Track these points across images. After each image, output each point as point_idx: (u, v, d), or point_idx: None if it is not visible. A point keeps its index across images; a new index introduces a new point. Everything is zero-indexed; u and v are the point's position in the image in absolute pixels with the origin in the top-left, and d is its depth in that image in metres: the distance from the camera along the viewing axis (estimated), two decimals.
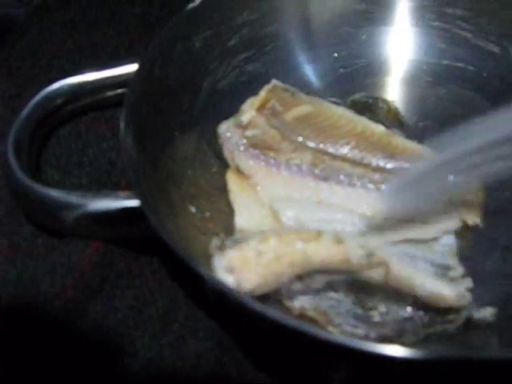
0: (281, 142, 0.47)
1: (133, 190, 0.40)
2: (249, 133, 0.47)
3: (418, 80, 0.56)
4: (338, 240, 0.39)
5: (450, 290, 0.40)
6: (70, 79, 0.50)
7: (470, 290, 0.41)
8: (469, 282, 0.41)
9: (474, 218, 0.45)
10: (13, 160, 0.44)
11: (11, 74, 0.55)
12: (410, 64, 0.57)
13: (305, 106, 0.49)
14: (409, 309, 0.41)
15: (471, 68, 0.56)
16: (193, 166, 0.47)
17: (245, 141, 0.47)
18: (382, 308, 0.41)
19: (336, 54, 0.56)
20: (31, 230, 0.46)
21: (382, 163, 0.47)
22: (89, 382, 0.41)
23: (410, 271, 0.40)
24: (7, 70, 0.56)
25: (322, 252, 0.39)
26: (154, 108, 0.46)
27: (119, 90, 0.50)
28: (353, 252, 0.39)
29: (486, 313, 0.41)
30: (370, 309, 0.41)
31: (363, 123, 0.49)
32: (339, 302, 0.41)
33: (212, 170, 0.48)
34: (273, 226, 0.43)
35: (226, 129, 0.48)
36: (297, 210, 0.44)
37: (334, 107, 0.51)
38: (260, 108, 0.49)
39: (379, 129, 0.49)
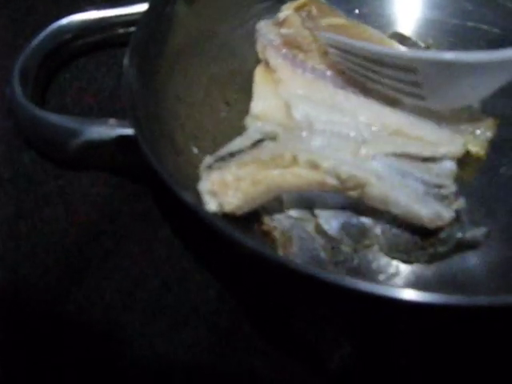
0: (311, 44, 0.49)
1: (128, 117, 0.40)
2: (283, 31, 0.50)
3: (440, 40, 0.54)
4: (314, 165, 0.40)
5: (425, 210, 0.41)
6: (80, 15, 0.50)
7: (463, 211, 0.42)
8: (461, 202, 0.42)
9: (478, 149, 0.46)
10: (17, 85, 0.45)
11: (30, 8, 0.56)
12: (433, 24, 0.55)
13: (341, 18, 0.52)
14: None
15: (496, 30, 0.54)
16: (200, 110, 0.47)
17: (278, 38, 0.49)
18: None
19: (357, 11, 0.56)
20: (12, 211, 0.45)
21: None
22: (73, 372, 0.39)
23: (385, 192, 0.41)
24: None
25: (298, 177, 0.40)
26: (161, 47, 0.46)
27: (131, 29, 0.50)
28: (328, 177, 0.40)
29: (478, 233, 0.41)
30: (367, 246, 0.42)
31: (393, 45, 0.50)
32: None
33: (220, 115, 0.48)
34: (283, 120, 0.46)
35: (263, 25, 0.51)
36: (309, 108, 0.46)
37: (369, 27, 0.52)
38: (298, 9, 0.51)
39: None
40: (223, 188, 0.39)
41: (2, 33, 0.55)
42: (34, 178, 0.47)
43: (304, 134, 0.44)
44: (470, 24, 0.55)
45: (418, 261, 0.41)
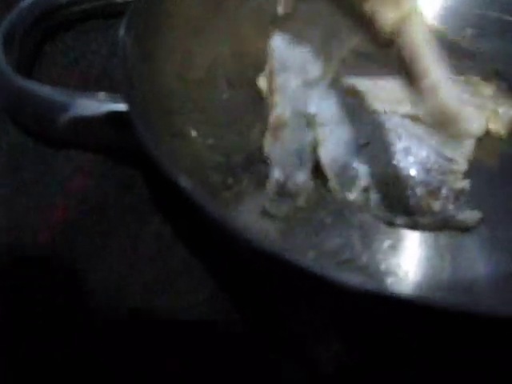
0: None
1: (121, 92, 0.37)
2: None
3: (459, 31, 0.51)
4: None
5: None
6: None
7: (465, 193, 0.42)
8: (465, 183, 0.42)
9: (498, 127, 0.45)
10: (0, 52, 0.42)
11: None
12: (452, 14, 0.53)
13: None
14: None
15: None
16: (201, 90, 0.44)
17: None
18: None
19: None
20: None
21: None
22: (69, 334, 0.37)
23: None
24: None
25: None
26: (162, 20, 0.43)
27: None
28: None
29: (471, 216, 0.41)
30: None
31: None
32: None
33: (222, 97, 0.45)
34: None
35: None
36: None
37: None
38: None
39: None
40: None
41: None
42: (11, 165, 0.43)
43: None
44: (492, 14, 0.52)
45: (400, 225, 0.41)
